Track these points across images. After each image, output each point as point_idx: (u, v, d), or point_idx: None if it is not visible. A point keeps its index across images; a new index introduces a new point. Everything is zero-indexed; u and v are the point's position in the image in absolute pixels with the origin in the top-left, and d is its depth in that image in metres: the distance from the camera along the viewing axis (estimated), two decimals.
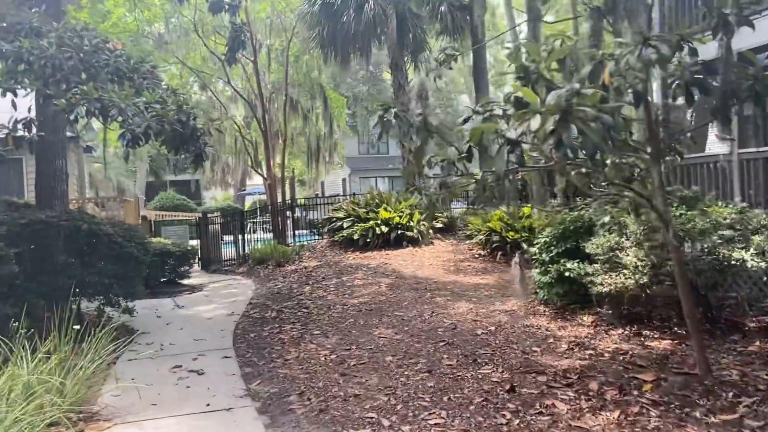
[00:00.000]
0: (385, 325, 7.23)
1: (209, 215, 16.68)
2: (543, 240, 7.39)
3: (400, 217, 12.56)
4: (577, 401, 4.33)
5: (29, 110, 7.03)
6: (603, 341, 5.85)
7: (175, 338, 7.43)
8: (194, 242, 15.45)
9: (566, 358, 5.40)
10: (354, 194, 15.07)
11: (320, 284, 10.15)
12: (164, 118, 6.26)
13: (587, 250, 6.55)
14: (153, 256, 10.95)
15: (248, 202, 37.73)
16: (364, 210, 13.06)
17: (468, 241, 12.09)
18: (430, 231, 12.62)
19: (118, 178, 20.20)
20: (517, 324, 6.79)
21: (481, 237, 10.92)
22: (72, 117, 6.10)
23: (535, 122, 3.48)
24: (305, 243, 15.34)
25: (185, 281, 12.09)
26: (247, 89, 16.94)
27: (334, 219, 13.32)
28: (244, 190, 36.64)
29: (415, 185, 4.91)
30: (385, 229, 12.26)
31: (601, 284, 6.09)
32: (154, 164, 32.55)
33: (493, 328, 6.67)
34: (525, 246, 10.13)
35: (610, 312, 6.52)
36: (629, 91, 4.18)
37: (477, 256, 11.22)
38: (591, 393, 4.47)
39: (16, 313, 5.59)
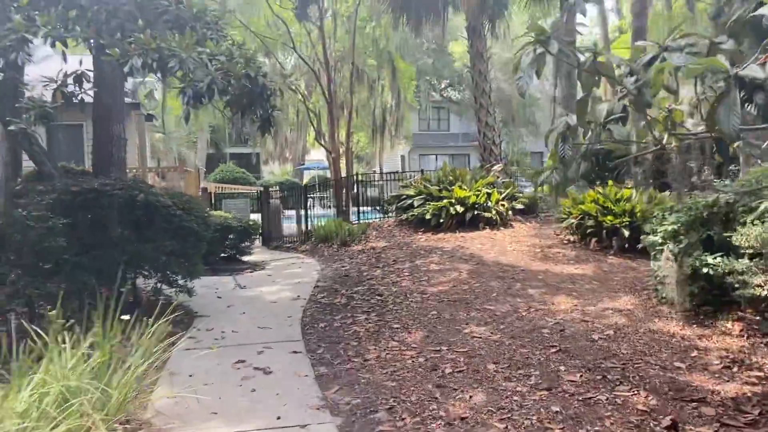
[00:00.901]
0: (475, 321, 6.21)
1: (270, 189, 15.99)
2: (669, 227, 6.16)
3: (477, 196, 11.44)
4: None
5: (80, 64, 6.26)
6: (767, 357, 4.66)
7: (236, 324, 6.64)
8: (255, 216, 14.80)
9: (726, 380, 4.25)
10: (422, 171, 14.02)
11: (392, 268, 9.20)
12: (230, 72, 5.36)
13: (734, 242, 5.32)
14: (213, 231, 10.27)
15: (306, 177, 37.26)
16: (437, 188, 11.99)
17: (555, 226, 10.87)
18: (509, 212, 11.45)
19: (179, 148, 19.82)
20: (640, 328, 5.64)
21: (572, 221, 9.69)
22: (127, 69, 5.26)
23: None
24: (370, 221, 14.45)
25: (246, 258, 11.40)
26: (312, 57, 16.04)
27: (404, 196, 12.31)
28: (303, 164, 36.12)
29: (564, 151, 3.79)
30: (460, 209, 11.18)
31: (760, 286, 4.86)
32: (214, 135, 32.31)
33: (610, 333, 5.55)
34: (625, 232, 8.87)
35: (762, 319, 5.29)
36: None
37: (566, 242, 10.02)
38: None
39: (66, 292, 4.88)
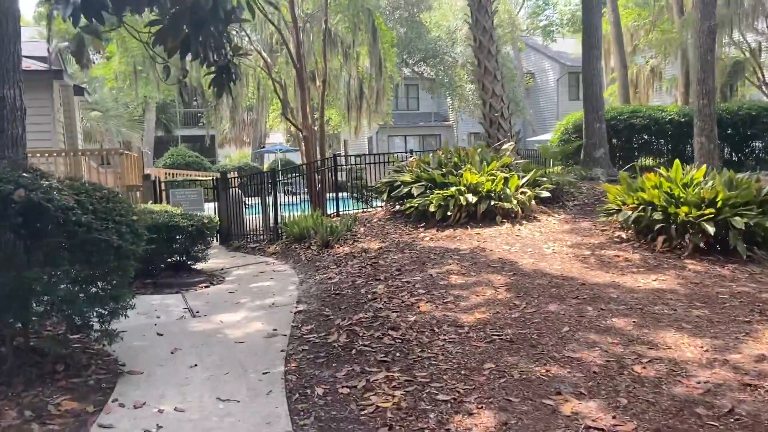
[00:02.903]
0: (569, 386, 3.93)
1: (228, 176, 13.37)
2: None
3: (492, 182, 9.16)
4: None
5: None
6: None
7: (184, 391, 4.21)
8: (210, 206, 12.19)
9: None
10: (412, 151, 11.68)
11: (398, 281, 6.85)
12: None
13: None
14: (156, 232, 7.73)
15: (267, 161, 34.37)
16: (439, 172, 9.66)
17: (597, 218, 8.70)
18: (532, 202, 9.21)
19: (119, 129, 16.90)
20: None
21: (629, 213, 7.49)
22: None
23: None
24: (351, 212, 12.06)
25: (200, 265, 8.85)
26: (276, 16, 13.39)
27: (398, 183, 9.95)
28: (263, 147, 33.27)
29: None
30: (472, 198, 8.88)
31: None
32: (163, 115, 29.10)
33: None
34: (709, 228, 6.72)
35: None
36: None
37: (618, 240, 7.83)
38: None
39: None
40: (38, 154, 10.55)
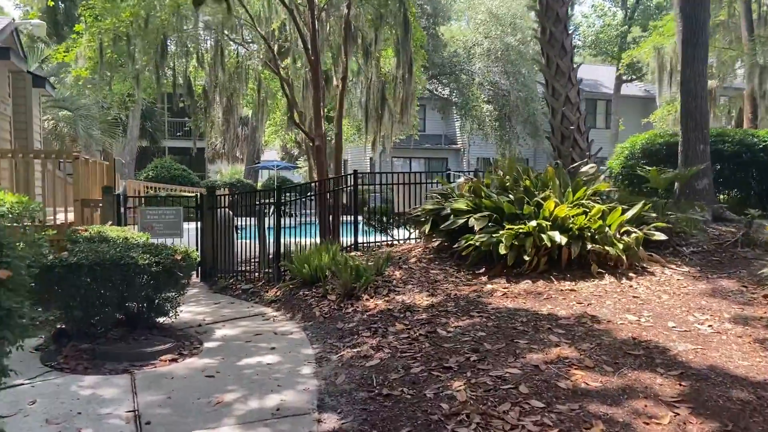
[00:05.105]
0: None
1: (217, 193, 10.68)
2: None
3: (586, 216, 6.55)
4: None
5: None
6: None
7: None
8: (190, 226, 9.49)
9: None
10: (476, 171, 9.13)
11: (483, 374, 4.17)
12: None
13: None
14: (102, 271, 5.10)
15: (261, 179, 31.67)
16: (506, 199, 7.05)
17: (739, 273, 6.09)
18: (641, 247, 6.57)
19: (89, 131, 14.11)
20: None
21: None
22: None
23: None
24: (374, 244, 9.50)
25: (166, 320, 6.11)
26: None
27: (447, 212, 7.31)
28: (258, 162, 30.64)
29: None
30: (560, 238, 6.25)
31: None
32: (148, 124, 26.37)
33: None
34: None
35: None
36: None
37: None
38: None
39: None
40: None
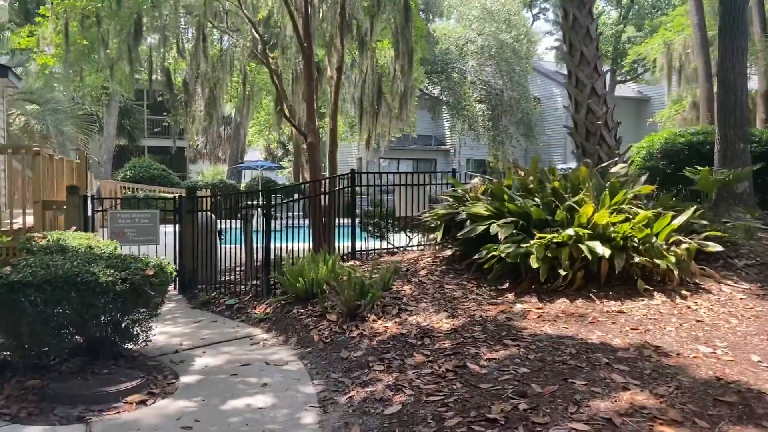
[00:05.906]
0: None
1: (197, 194, 9.63)
2: None
3: (629, 223, 5.65)
4: None
5: None
6: None
7: None
8: (168, 229, 8.44)
9: None
10: (485, 171, 8.19)
11: (538, 425, 3.25)
12: None
13: None
14: (55, 291, 4.09)
15: (244, 180, 30.51)
16: (533, 203, 6.12)
17: None
18: (692, 259, 5.67)
19: (59, 127, 12.97)
20: None
21: None
22: None
23: None
24: (373, 251, 8.57)
25: (134, 346, 5.08)
26: None
27: (463, 217, 6.36)
28: (242, 162, 29.51)
29: None
30: (602, 250, 5.33)
31: None
32: (126, 122, 25.10)
33: None
34: None
35: None
36: None
37: None
38: None
39: None
40: None
